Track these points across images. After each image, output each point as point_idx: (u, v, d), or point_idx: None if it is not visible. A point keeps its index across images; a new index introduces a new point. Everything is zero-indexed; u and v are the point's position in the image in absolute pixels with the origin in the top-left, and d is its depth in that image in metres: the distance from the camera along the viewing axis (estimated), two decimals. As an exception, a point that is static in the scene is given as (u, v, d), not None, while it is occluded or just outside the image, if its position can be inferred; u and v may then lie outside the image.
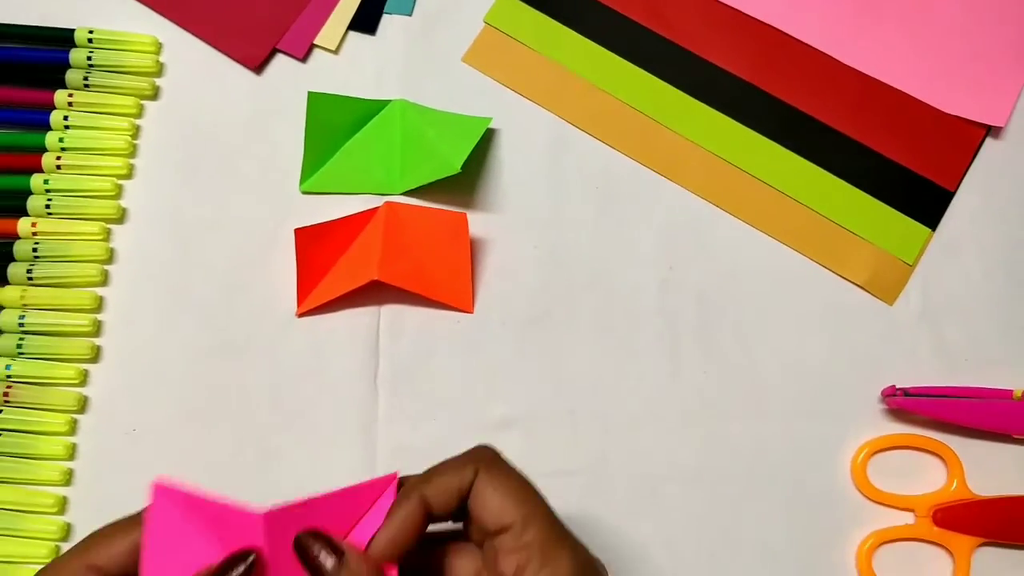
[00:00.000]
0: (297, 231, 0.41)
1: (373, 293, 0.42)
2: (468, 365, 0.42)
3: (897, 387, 0.41)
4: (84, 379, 0.43)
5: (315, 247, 0.42)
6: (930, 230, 0.44)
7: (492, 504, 0.29)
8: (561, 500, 0.39)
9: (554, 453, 0.41)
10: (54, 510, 0.41)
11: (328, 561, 0.28)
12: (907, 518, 0.40)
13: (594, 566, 0.31)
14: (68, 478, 0.42)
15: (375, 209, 0.43)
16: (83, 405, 0.42)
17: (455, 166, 0.42)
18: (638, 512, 0.41)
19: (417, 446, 0.41)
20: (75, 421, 0.42)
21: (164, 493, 0.29)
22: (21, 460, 0.41)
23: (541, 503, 0.30)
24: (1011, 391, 0.40)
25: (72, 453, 0.42)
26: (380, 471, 0.41)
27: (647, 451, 0.41)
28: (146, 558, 0.28)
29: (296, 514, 0.28)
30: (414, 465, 0.31)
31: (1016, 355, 0.42)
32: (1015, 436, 0.41)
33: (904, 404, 0.40)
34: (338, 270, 0.42)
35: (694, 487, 0.41)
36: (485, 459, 0.31)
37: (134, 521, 0.30)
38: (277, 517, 0.28)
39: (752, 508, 0.41)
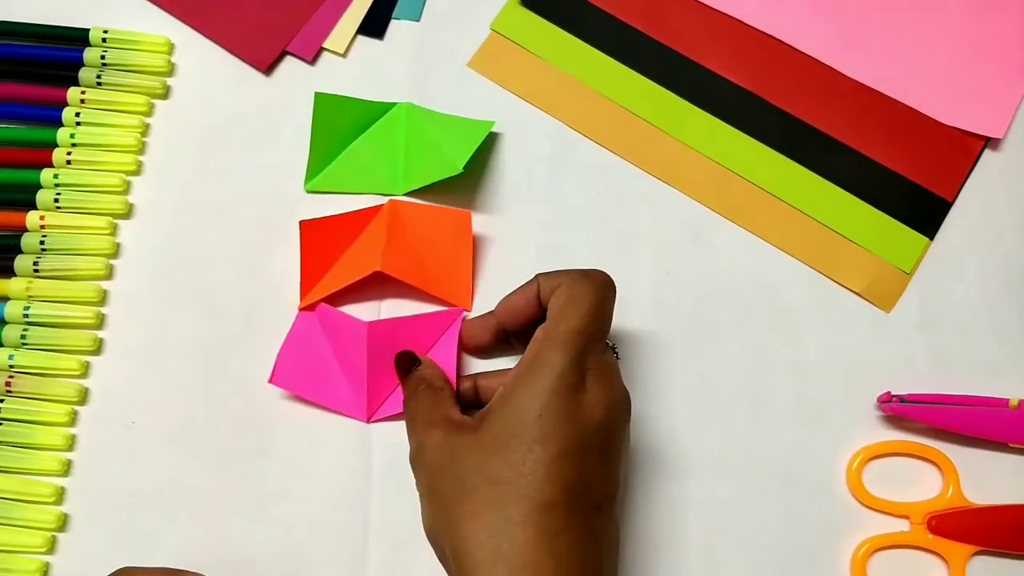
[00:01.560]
0: (302, 223, 0.42)
1: (374, 288, 0.43)
2: (468, 361, 0.43)
3: (893, 394, 0.41)
4: (86, 371, 0.43)
5: (319, 240, 0.42)
6: (928, 239, 0.44)
7: (555, 300, 0.35)
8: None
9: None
10: (52, 500, 0.41)
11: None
12: (902, 525, 0.40)
13: (584, 376, 0.33)
14: (67, 468, 0.42)
15: (379, 206, 0.44)
16: (84, 397, 0.43)
17: (457, 166, 0.42)
18: (632, 512, 0.41)
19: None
20: (75, 412, 0.43)
21: (311, 308, 0.42)
22: (21, 449, 0.42)
23: (586, 314, 0.34)
24: (1007, 400, 0.40)
25: (71, 444, 0.42)
26: (375, 462, 0.41)
27: (643, 447, 0.42)
28: (282, 353, 0.42)
29: (388, 327, 0.41)
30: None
31: (1012, 364, 0.42)
32: (1011, 445, 0.40)
33: (900, 411, 0.40)
34: (341, 264, 0.43)
35: (689, 488, 0.41)
36: (585, 273, 0.36)
37: None
38: (376, 327, 0.41)
39: (746, 512, 0.41)
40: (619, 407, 0.34)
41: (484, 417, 0.34)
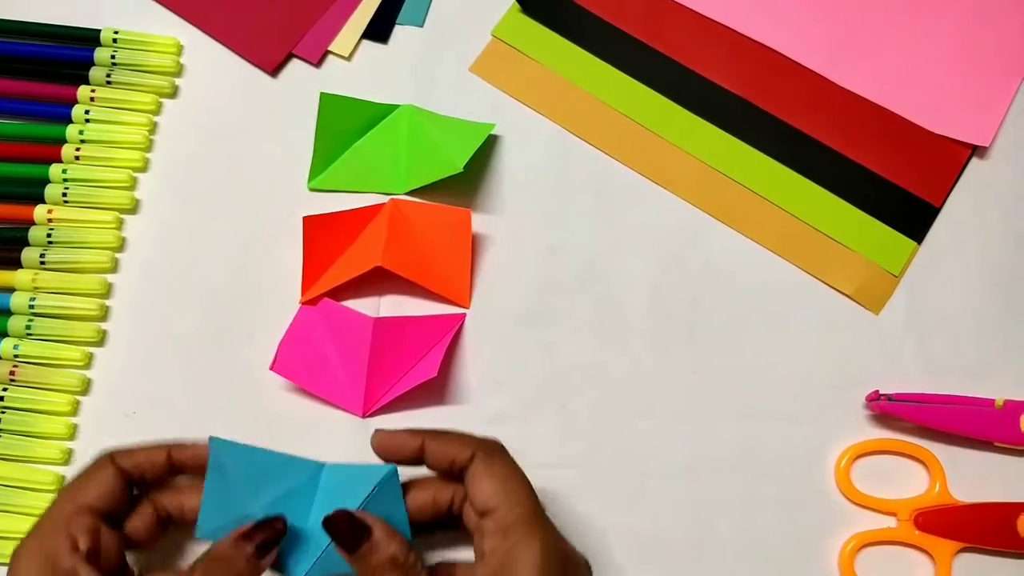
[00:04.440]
0: (305, 219, 0.43)
1: (374, 284, 0.44)
2: (463, 359, 0.44)
3: (881, 392, 0.42)
4: (89, 362, 0.44)
5: (321, 236, 0.43)
6: (916, 243, 0.45)
7: (483, 486, 0.33)
8: (551, 493, 0.41)
9: (546, 447, 0.42)
10: (53, 488, 0.42)
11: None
12: (889, 522, 0.41)
13: (566, 555, 0.33)
14: (68, 457, 0.42)
15: (381, 205, 0.45)
16: (87, 387, 0.43)
17: (458, 166, 0.43)
18: (626, 507, 0.42)
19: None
20: (78, 402, 0.43)
21: (313, 303, 0.43)
22: (23, 438, 0.42)
23: (526, 493, 0.33)
24: (992, 400, 0.41)
25: (73, 433, 0.43)
26: (373, 458, 0.41)
27: (637, 447, 0.42)
28: (284, 342, 0.42)
29: (393, 325, 0.42)
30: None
31: (998, 366, 0.43)
32: (996, 443, 0.41)
33: (888, 409, 0.41)
34: (343, 260, 0.44)
35: (681, 484, 0.42)
36: (487, 447, 0.34)
37: (102, 462, 0.35)
38: (382, 324, 0.42)
39: (737, 507, 0.42)
40: None
41: None
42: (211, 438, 0.35)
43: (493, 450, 0.34)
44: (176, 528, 0.37)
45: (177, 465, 0.36)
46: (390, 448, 0.35)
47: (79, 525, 0.33)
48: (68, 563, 0.32)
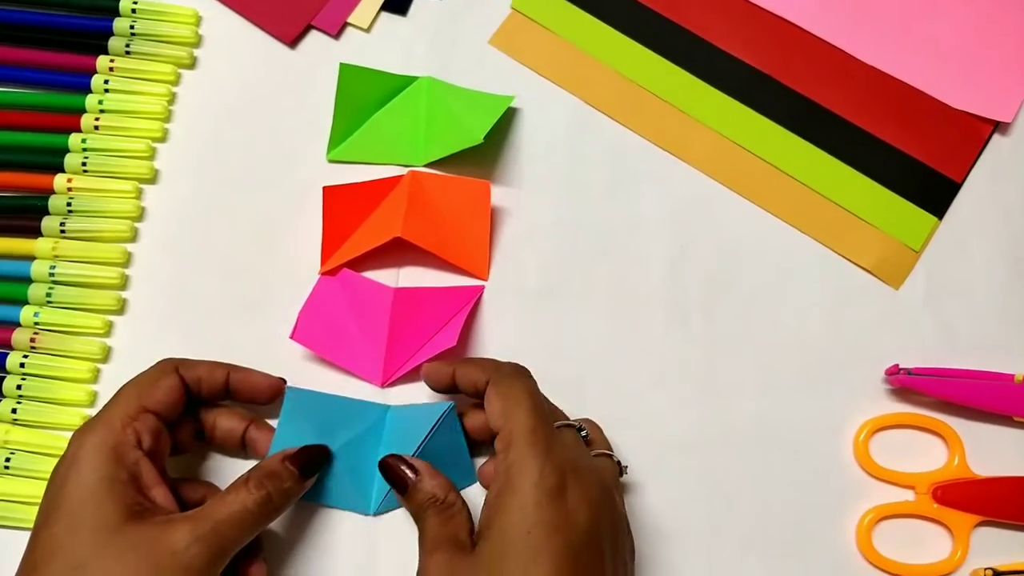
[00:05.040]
0: (325, 189, 0.43)
1: (393, 255, 0.44)
2: (481, 330, 0.44)
3: (901, 366, 0.42)
4: (109, 330, 0.44)
5: (342, 206, 0.43)
6: (937, 219, 0.45)
7: (493, 407, 0.35)
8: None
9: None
10: (73, 454, 0.42)
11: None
12: (907, 495, 0.41)
13: (567, 470, 0.33)
14: (88, 424, 0.43)
15: (400, 176, 0.45)
16: (107, 354, 0.44)
17: (478, 137, 0.43)
18: (642, 478, 0.42)
19: (429, 406, 0.42)
20: (98, 370, 0.44)
21: (332, 274, 0.43)
22: (44, 404, 0.43)
23: (528, 411, 0.34)
24: (1012, 375, 0.41)
25: (93, 400, 0.43)
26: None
27: (653, 419, 0.42)
28: (304, 311, 0.42)
29: (413, 295, 0.42)
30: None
31: (1017, 341, 0.43)
32: (1015, 418, 0.41)
33: (907, 383, 0.41)
34: (362, 230, 0.44)
35: (699, 456, 0.42)
36: (503, 371, 0.36)
37: (167, 368, 0.37)
38: (402, 293, 0.42)
39: (755, 480, 0.42)
40: (601, 503, 0.34)
41: (479, 539, 0.33)
42: (287, 387, 0.39)
43: (508, 374, 0.36)
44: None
45: (232, 388, 0.39)
46: (431, 376, 0.39)
47: (145, 424, 0.35)
48: (133, 456, 0.34)
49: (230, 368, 0.39)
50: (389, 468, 0.37)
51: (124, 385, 0.37)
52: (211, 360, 0.39)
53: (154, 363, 0.38)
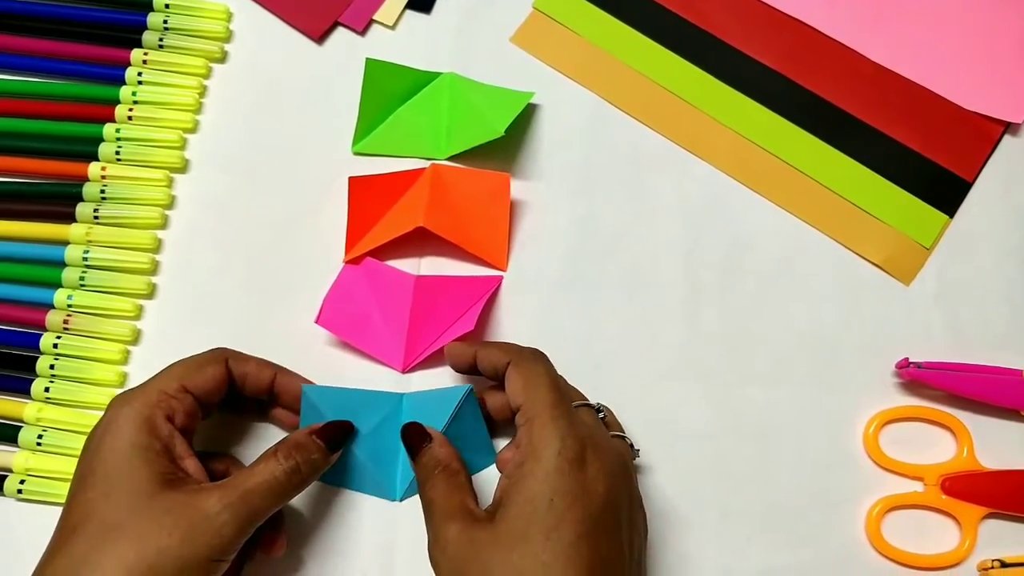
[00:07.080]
0: (351, 179, 0.44)
1: (415, 245, 0.45)
2: (499, 321, 0.45)
3: (911, 360, 0.42)
4: (139, 313, 0.45)
5: (366, 197, 0.45)
6: (948, 217, 0.46)
7: (513, 386, 0.36)
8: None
9: (578, 406, 0.43)
10: (103, 432, 0.43)
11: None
12: (916, 486, 0.42)
13: (587, 443, 0.34)
14: (118, 404, 0.44)
15: (422, 169, 0.46)
16: (137, 337, 0.45)
17: (499, 130, 0.44)
18: (655, 466, 0.43)
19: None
20: (128, 352, 0.45)
21: (356, 262, 0.45)
22: (76, 384, 0.44)
23: (548, 388, 0.35)
24: (1020, 371, 0.42)
25: (123, 381, 0.44)
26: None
27: (666, 407, 0.43)
28: (329, 297, 0.44)
29: (433, 283, 0.44)
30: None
31: (1026, 338, 0.44)
32: (1023, 413, 0.42)
33: (917, 375, 0.42)
34: (386, 220, 0.45)
35: (710, 444, 0.43)
36: (523, 353, 0.37)
37: (218, 357, 0.38)
38: (423, 281, 0.43)
39: (765, 470, 0.42)
40: (619, 475, 0.35)
41: (497, 509, 0.34)
42: (304, 386, 0.39)
43: (527, 356, 0.37)
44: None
45: (276, 390, 0.40)
46: (454, 355, 0.40)
47: (182, 403, 0.37)
48: (165, 429, 0.36)
49: (277, 370, 0.40)
50: (409, 428, 0.38)
51: (174, 363, 0.38)
52: (262, 359, 0.40)
53: (209, 349, 0.39)
